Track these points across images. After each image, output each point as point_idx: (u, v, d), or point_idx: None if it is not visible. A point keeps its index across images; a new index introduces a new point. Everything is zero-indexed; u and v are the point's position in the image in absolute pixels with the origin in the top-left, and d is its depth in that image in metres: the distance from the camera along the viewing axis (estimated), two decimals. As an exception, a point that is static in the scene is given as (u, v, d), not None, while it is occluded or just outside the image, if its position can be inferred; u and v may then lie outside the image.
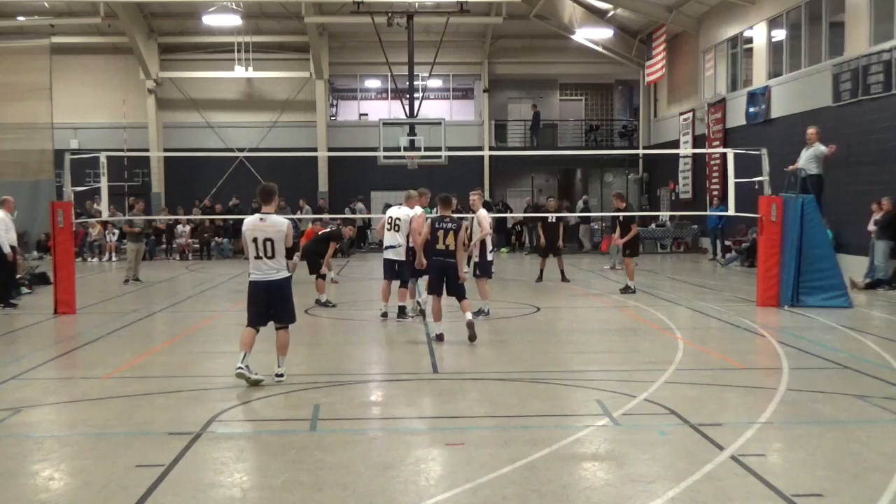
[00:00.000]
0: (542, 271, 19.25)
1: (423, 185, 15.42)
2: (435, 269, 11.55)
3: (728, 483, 5.72)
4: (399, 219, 13.19)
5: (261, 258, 8.50)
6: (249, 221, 8.63)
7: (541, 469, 6.00)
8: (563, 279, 19.03)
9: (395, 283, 13.54)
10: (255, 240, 8.47)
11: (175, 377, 9.44)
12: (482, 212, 14.28)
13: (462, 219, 12.90)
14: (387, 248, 13.36)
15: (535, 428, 7.20)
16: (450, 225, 11.33)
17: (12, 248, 15.50)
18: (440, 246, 11.28)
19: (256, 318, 8.78)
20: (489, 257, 14.09)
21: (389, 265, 13.35)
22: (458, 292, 11.41)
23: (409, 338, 12.12)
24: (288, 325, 8.84)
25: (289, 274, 8.81)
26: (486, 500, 5.46)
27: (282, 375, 8.75)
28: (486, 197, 29.83)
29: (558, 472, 5.98)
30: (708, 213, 24.57)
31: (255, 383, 8.57)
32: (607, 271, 21.96)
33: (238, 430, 7.28)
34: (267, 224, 8.50)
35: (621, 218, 17.41)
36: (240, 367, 8.52)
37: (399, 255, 13.15)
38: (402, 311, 13.32)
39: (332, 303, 15.15)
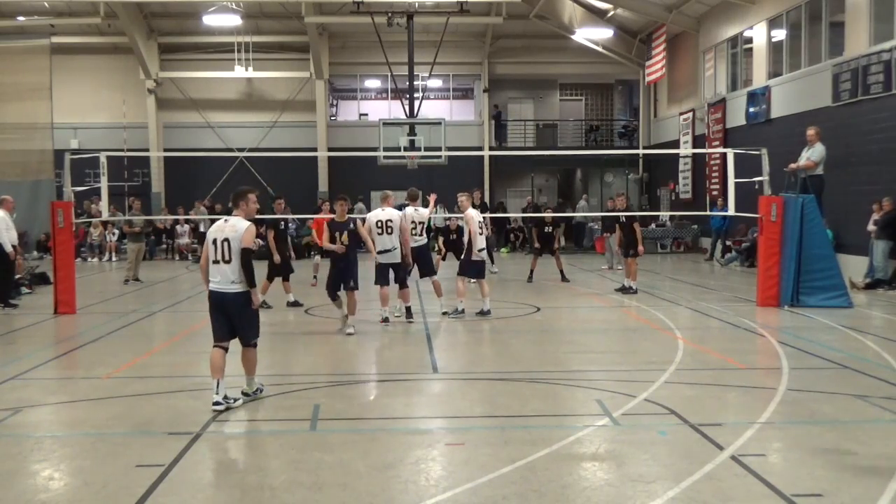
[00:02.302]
0: (532, 272, 19.26)
1: (423, 185, 15.46)
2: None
3: (728, 483, 5.72)
4: (391, 220, 12.82)
5: (217, 262, 7.80)
6: (213, 227, 8.03)
7: (541, 469, 6.01)
8: (563, 279, 19.04)
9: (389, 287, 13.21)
10: (214, 241, 7.84)
11: (175, 377, 9.44)
12: (470, 211, 13.92)
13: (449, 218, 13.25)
14: (381, 252, 12.82)
15: (535, 428, 7.21)
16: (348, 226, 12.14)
17: (13, 247, 15.51)
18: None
19: (218, 333, 7.96)
20: (475, 257, 13.72)
21: (384, 270, 12.93)
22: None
23: (409, 338, 12.13)
24: (253, 342, 8.06)
25: (245, 289, 7.85)
26: (486, 500, 5.46)
27: (248, 395, 8.03)
28: (486, 199, 29.80)
29: (558, 472, 5.98)
30: (709, 213, 24.55)
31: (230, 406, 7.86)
32: (605, 271, 21.96)
33: (238, 430, 7.28)
34: (227, 225, 7.90)
35: (623, 219, 17.31)
36: (216, 403, 7.69)
37: (395, 257, 12.89)
38: (408, 312, 13.22)
39: (300, 302, 15.10)
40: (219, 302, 7.90)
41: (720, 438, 6.65)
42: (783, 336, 11.64)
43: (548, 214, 20.21)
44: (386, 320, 13.01)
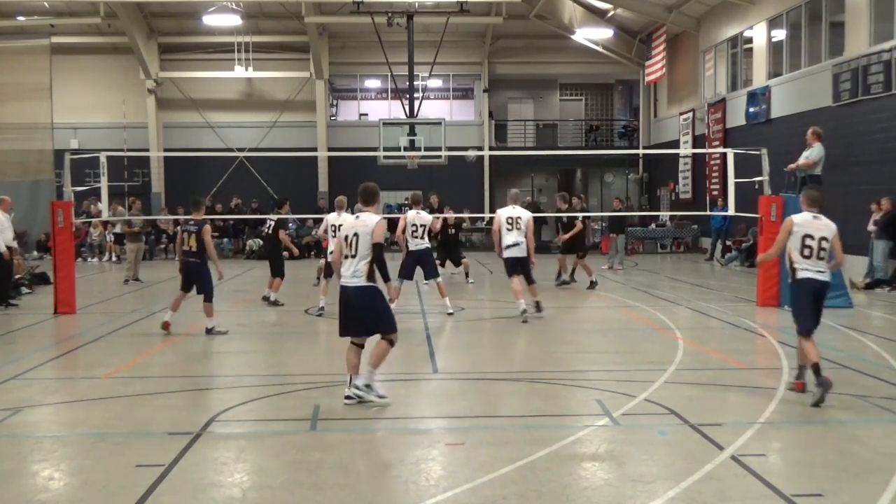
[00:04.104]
0: (570, 271, 19.00)
1: (423, 185, 15.51)
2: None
3: (728, 483, 5.72)
4: (520, 217, 13.43)
5: (347, 257, 7.91)
6: (346, 222, 8.18)
7: (541, 469, 6.01)
8: (570, 279, 18.96)
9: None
10: (346, 237, 7.94)
11: (175, 377, 9.44)
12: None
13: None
14: (508, 246, 13.37)
15: (535, 428, 7.21)
16: (191, 227, 12.13)
17: (10, 247, 15.52)
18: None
19: (343, 327, 8.07)
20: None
21: (511, 263, 13.48)
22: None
23: (409, 338, 12.12)
24: (388, 334, 7.93)
25: (369, 283, 7.87)
26: (486, 500, 5.46)
27: (360, 389, 7.87)
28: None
29: (558, 472, 5.98)
30: (709, 213, 24.56)
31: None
32: (605, 271, 21.96)
33: (238, 430, 7.28)
34: (358, 221, 7.98)
35: (565, 219, 17.94)
36: (348, 397, 7.89)
37: (521, 251, 13.38)
38: (538, 306, 13.67)
39: (280, 301, 15.30)
40: (344, 296, 7.98)
41: (720, 438, 6.65)
42: (783, 336, 11.63)
43: (567, 215, 20.31)
44: (524, 312, 13.20)
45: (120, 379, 9.29)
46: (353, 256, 7.85)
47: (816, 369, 7.79)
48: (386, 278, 7.91)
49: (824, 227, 8.34)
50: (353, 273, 7.84)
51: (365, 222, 7.90)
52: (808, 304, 8.30)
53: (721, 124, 26.59)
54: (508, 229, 13.36)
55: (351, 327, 8.01)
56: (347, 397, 7.89)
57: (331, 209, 15.53)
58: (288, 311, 14.75)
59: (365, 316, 7.90)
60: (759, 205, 14.80)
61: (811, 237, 8.25)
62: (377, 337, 8.00)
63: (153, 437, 6.95)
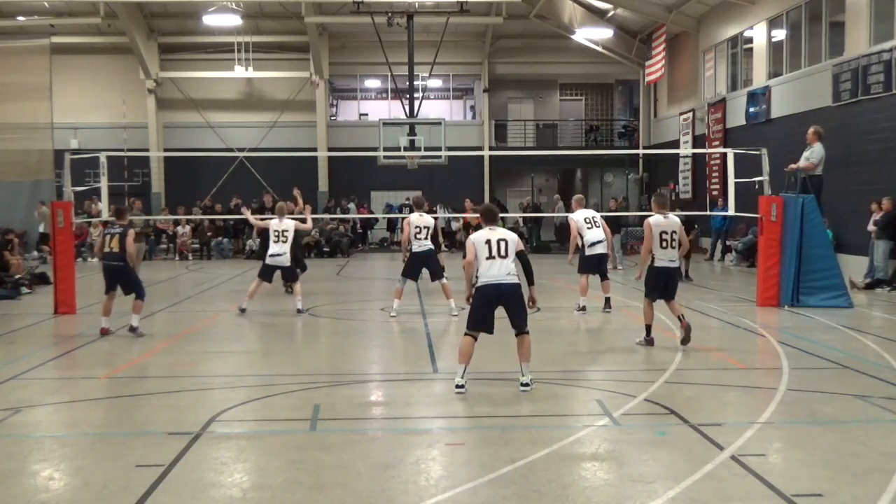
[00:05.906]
0: (686, 271, 19.51)
1: (424, 185, 15.52)
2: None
3: (728, 483, 5.72)
4: (595, 217, 14.31)
5: (493, 258, 8.45)
6: (479, 233, 8.70)
7: (541, 469, 6.01)
8: (687, 278, 19.23)
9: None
10: (487, 241, 8.52)
11: (175, 377, 9.43)
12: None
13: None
14: (591, 244, 14.06)
15: (535, 428, 7.21)
16: (116, 230, 12.14)
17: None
18: (107, 248, 12.09)
19: (482, 324, 8.54)
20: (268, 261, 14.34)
21: (592, 260, 14.18)
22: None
23: (409, 338, 12.12)
24: (526, 327, 8.60)
25: (519, 282, 8.54)
26: (486, 500, 5.46)
27: (527, 385, 8.42)
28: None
29: (558, 472, 5.98)
30: (709, 213, 24.56)
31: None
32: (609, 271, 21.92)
33: (238, 430, 7.28)
34: (497, 230, 8.68)
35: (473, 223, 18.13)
36: (459, 386, 8.35)
37: (603, 248, 14.19)
38: (607, 303, 14.24)
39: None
40: (494, 293, 8.48)
41: (720, 438, 6.65)
42: (783, 336, 11.64)
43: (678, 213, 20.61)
44: (584, 309, 14.02)
45: (120, 379, 9.29)
46: (505, 257, 8.49)
47: (648, 329, 10.83)
48: (531, 281, 8.77)
49: (672, 223, 10.86)
50: (508, 273, 8.47)
51: (507, 231, 8.79)
52: (659, 287, 10.84)
53: (721, 124, 26.58)
54: (589, 227, 14.14)
55: (490, 322, 8.53)
56: (459, 386, 8.34)
57: (333, 209, 15.52)
58: (287, 311, 14.74)
59: (518, 311, 8.54)
60: (759, 205, 14.80)
61: (665, 233, 10.77)
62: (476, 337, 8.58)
63: (153, 437, 6.94)
